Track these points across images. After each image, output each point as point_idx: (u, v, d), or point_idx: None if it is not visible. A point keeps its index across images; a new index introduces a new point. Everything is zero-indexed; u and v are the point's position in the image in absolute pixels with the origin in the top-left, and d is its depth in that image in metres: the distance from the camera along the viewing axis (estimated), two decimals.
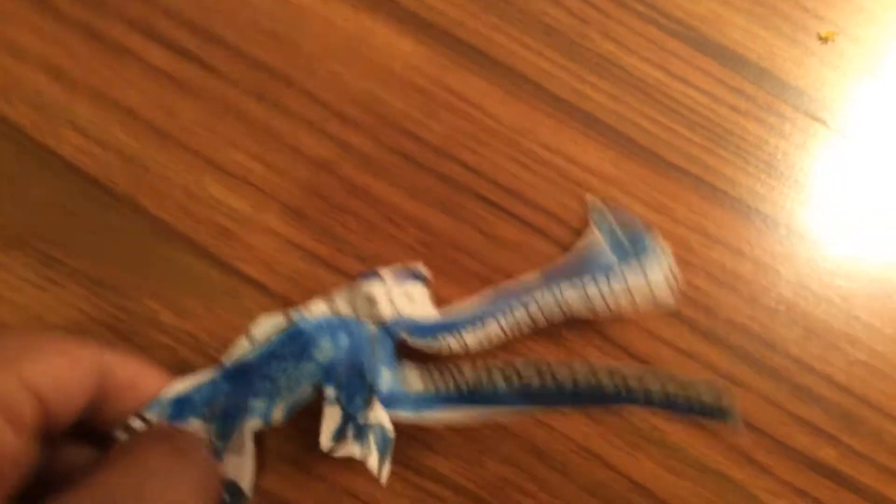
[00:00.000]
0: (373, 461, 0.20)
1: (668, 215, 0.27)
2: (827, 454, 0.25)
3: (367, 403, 0.20)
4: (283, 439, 0.23)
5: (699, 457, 0.24)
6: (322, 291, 0.24)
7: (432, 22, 0.28)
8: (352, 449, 0.19)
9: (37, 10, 0.25)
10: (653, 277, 0.23)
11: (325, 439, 0.20)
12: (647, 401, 0.20)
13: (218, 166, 0.25)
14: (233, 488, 0.20)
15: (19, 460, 0.16)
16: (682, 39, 0.30)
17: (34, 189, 0.24)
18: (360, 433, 0.20)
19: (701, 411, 0.20)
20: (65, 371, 0.17)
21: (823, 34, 0.31)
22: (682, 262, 0.26)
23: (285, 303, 0.24)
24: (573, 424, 0.24)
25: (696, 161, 0.28)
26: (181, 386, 0.20)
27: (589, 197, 0.24)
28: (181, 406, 0.19)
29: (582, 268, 0.23)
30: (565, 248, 0.26)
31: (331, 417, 0.20)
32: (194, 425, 0.19)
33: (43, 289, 0.23)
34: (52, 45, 0.25)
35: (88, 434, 0.18)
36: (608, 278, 0.22)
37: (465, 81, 0.28)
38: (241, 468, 0.20)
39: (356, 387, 0.20)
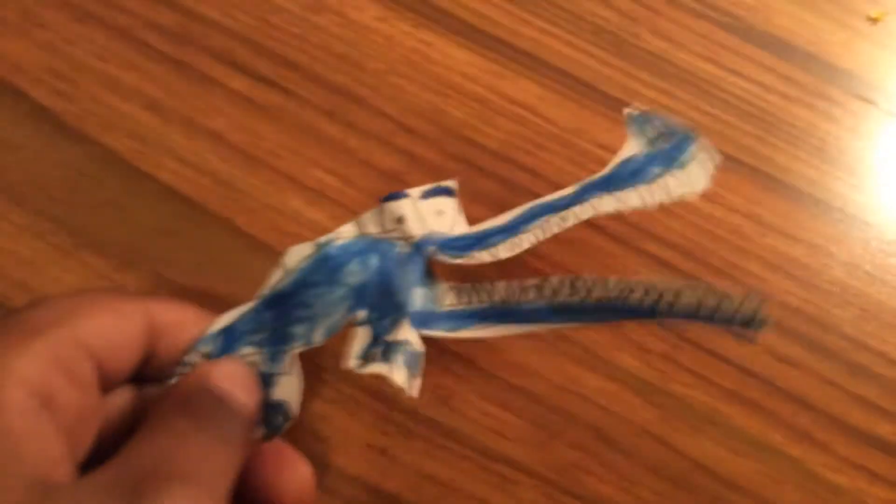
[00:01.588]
0: (398, 376, 0.20)
1: (722, 204, 0.28)
2: (884, 430, 0.26)
3: (395, 323, 0.21)
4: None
5: (758, 436, 0.26)
6: None
7: (487, 31, 0.30)
8: (377, 367, 0.20)
9: (131, 47, 0.28)
10: (696, 185, 0.22)
11: (351, 358, 0.21)
12: (684, 315, 0.20)
13: (299, 183, 0.27)
14: (282, 408, 0.21)
15: (86, 417, 0.18)
16: (730, 31, 0.31)
17: (139, 213, 0.26)
18: (387, 351, 0.20)
19: (736, 323, 0.20)
20: (116, 327, 0.18)
21: (873, 15, 0.32)
22: (737, 249, 0.28)
23: None
24: (635, 410, 0.26)
25: (748, 150, 0.29)
26: (225, 319, 0.21)
27: (628, 109, 0.23)
28: (230, 336, 0.21)
29: (621, 179, 0.22)
30: (625, 244, 0.27)
31: (359, 338, 0.21)
32: (246, 352, 0.21)
33: None
34: (146, 79, 0.28)
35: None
36: (648, 188, 0.22)
37: (519, 87, 0.29)
38: (291, 389, 0.21)
39: (387, 307, 0.21)
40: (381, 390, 0.25)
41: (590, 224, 0.27)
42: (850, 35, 0.31)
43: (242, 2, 0.29)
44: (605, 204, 0.21)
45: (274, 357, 0.21)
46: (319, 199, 0.27)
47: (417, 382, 0.21)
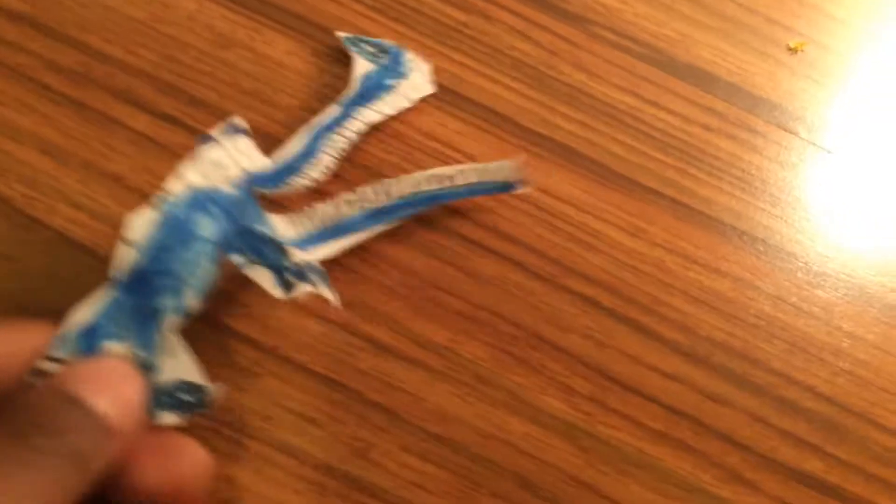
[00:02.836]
0: (325, 290, 0.22)
1: (644, 239, 0.27)
2: (813, 466, 0.25)
3: (281, 250, 0.22)
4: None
5: (687, 478, 0.25)
6: (310, 342, 0.25)
7: None
8: (305, 287, 0.21)
9: (28, 89, 0.27)
10: (424, 90, 0.29)
11: (276, 291, 0.21)
12: (465, 190, 0.26)
13: None
14: (186, 386, 0.20)
15: None
16: (651, 63, 0.30)
17: (32, 263, 0.25)
18: (299, 273, 0.22)
19: (500, 186, 0.26)
20: None
21: (792, 45, 0.32)
22: (661, 284, 0.27)
23: (276, 356, 0.25)
24: (560, 455, 0.25)
25: (670, 183, 0.28)
26: (81, 316, 0.19)
27: (338, 34, 0.28)
28: (90, 335, 0.19)
29: (370, 93, 0.27)
30: (547, 281, 0.26)
31: (263, 275, 0.21)
32: (112, 347, 0.19)
33: None
34: (43, 122, 0.26)
35: None
36: (391, 97, 0.28)
37: (438, 121, 0.28)
38: (182, 366, 0.20)
39: (255, 244, 0.21)
40: (290, 444, 0.24)
41: (509, 260, 0.27)
42: (771, 65, 0.31)
43: (147, 39, 0.28)
44: (368, 115, 0.27)
45: (147, 343, 0.20)
46: None
47: (336, 295, 0.23)
